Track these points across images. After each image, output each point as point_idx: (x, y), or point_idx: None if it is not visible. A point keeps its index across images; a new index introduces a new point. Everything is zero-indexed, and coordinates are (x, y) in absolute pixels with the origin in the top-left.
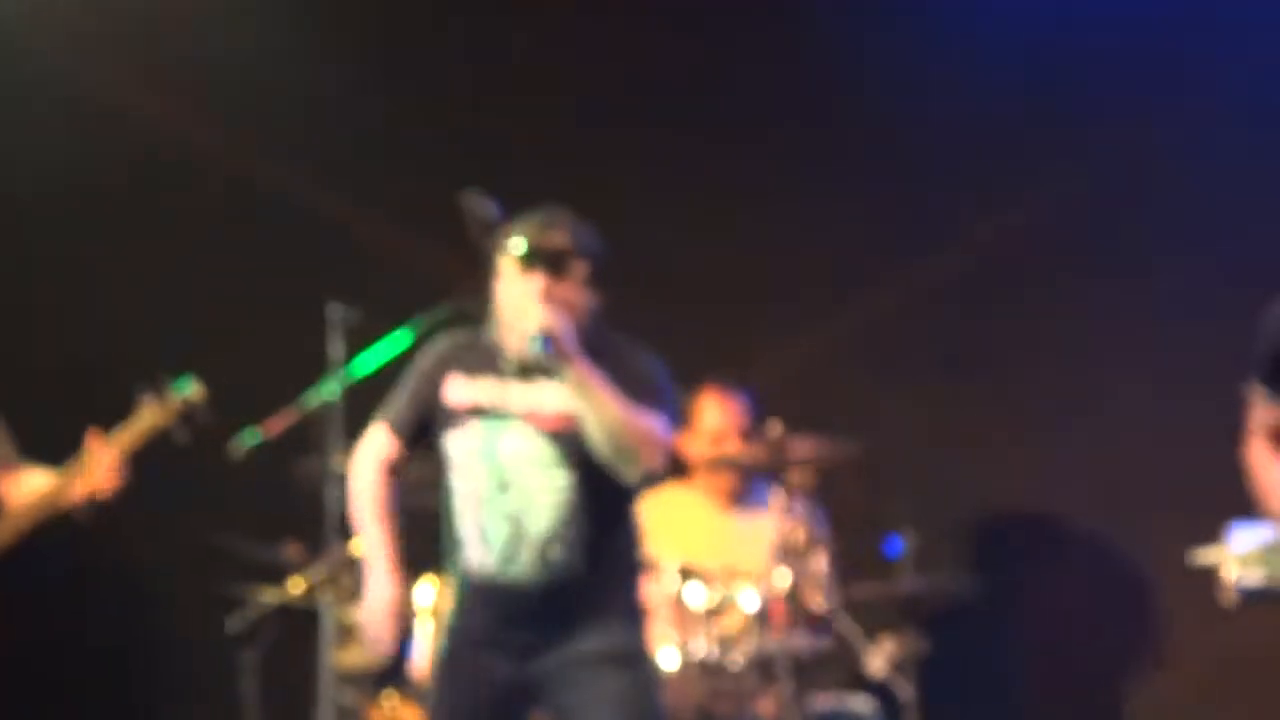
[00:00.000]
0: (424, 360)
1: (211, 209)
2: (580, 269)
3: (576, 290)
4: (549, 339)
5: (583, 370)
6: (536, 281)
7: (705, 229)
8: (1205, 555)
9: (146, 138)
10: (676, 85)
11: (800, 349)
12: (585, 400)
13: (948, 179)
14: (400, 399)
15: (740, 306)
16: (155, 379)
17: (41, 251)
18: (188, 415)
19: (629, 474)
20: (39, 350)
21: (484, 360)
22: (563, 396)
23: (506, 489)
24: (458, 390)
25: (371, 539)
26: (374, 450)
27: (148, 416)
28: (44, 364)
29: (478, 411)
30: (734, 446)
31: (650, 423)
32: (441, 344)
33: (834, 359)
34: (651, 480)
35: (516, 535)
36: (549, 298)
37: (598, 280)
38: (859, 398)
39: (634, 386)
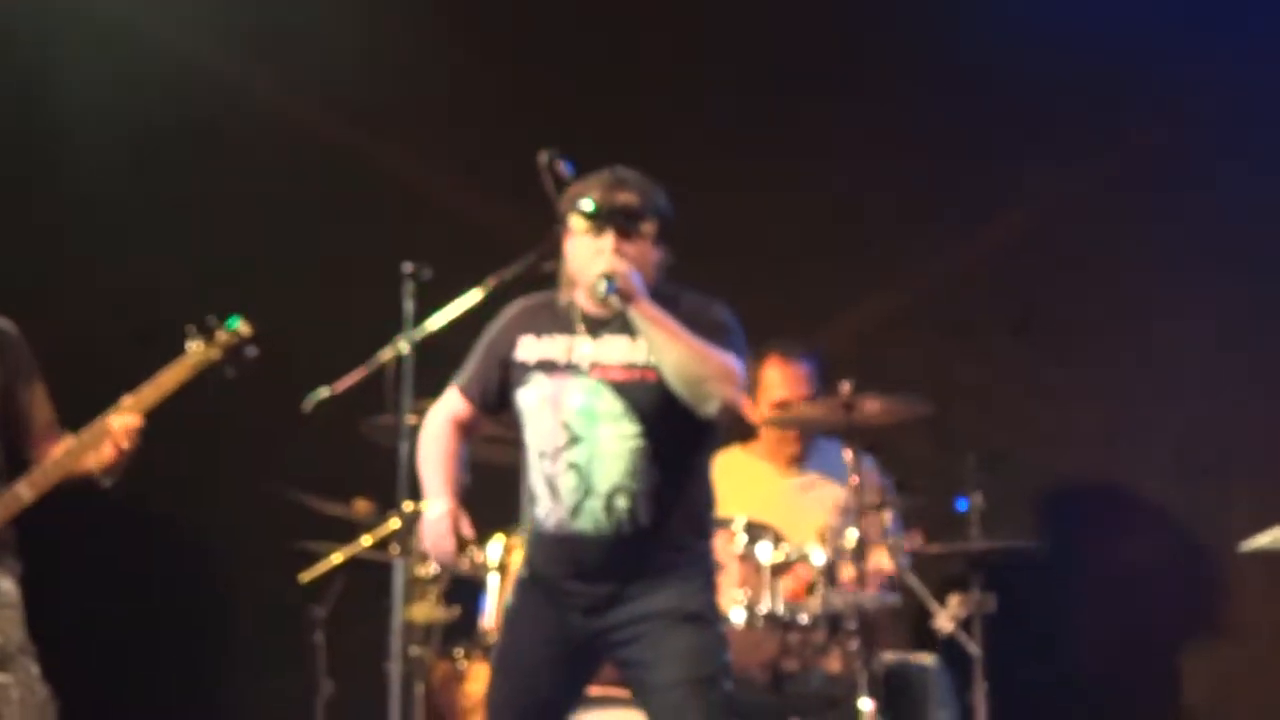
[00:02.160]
0: (495, 324)
1: (287, 167)
2: (649, 227)
3: (645, 248)
4: (612, 281)
5: (649, 309)
6: (606, 239)
7: (776, 189)
8: (1254, 542)
9: (224, 96)
10: (746, 45)
11: (871, 309)
12: (655, 337)
13: (1018, 138)
14: (471, 363)
15: (811, 266)
16: (204, 321)
17: (115, 208)
18: (236, 351)
19: (706, 407)
20: (111, 305)
21: (554, 320)
22: (630, 350)
23: (575, 442)
24: (527, 348)
25: (430, 468)
26: (445, 408)
27: (196, 354)
28: (114, 320)
29: (547, 367)
30: (797, 412)
31: (723, 356)
32: (512, 307)
33: (905, 319)
34: (730, 414)
35: (584, 487)
36: (618, 254)
37: (666, 238)
38: (929, 357)
39: (704, 330)
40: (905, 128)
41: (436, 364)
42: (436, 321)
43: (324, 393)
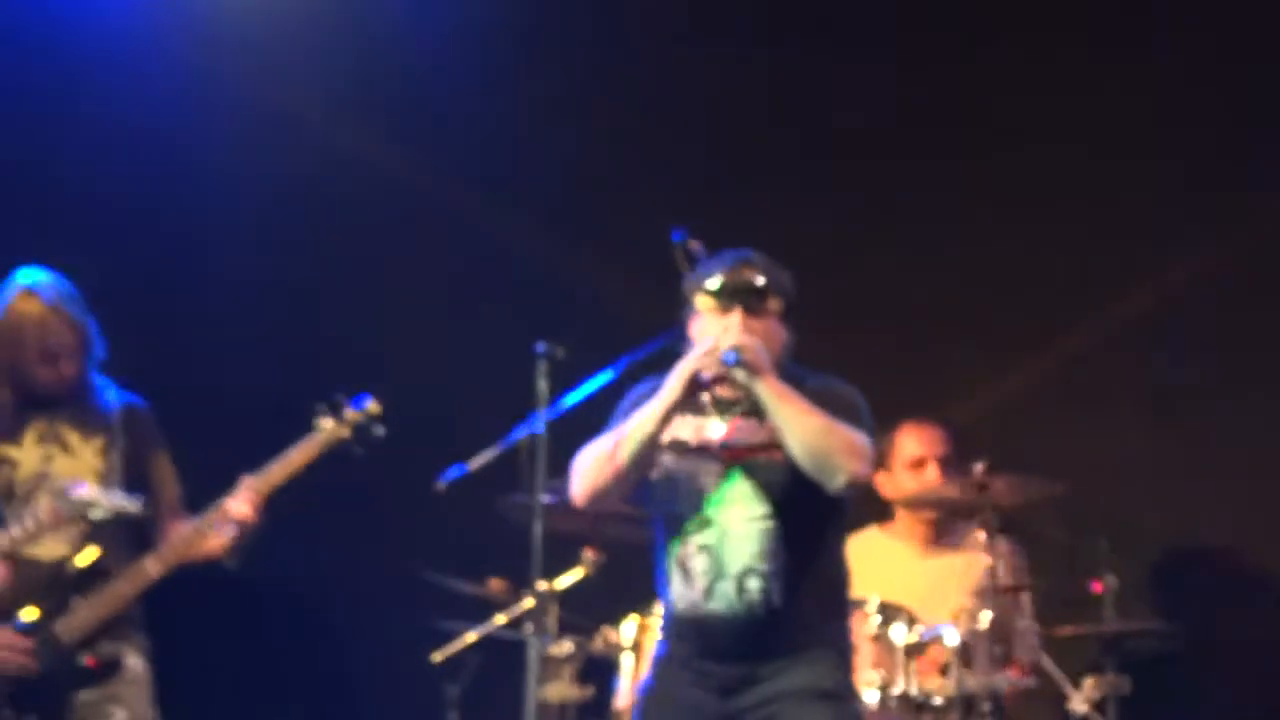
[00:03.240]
0: (625, 403)
1: (422, 245)
2: (774, 304)
3: (772, 325)
4: (739, 353)
5: (775, 383)
6: (733, 315)
7: (904, 267)
8: None
9: (359, 173)
10: (877, 117)
11: (1003, 387)
12: (781, 410)
13: (1150, 216)
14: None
15: (942, 344)
16: (333, 399)
17: (242, 285)
18: (365, 429)
19: (834, 482)
20: (240, 382)
21: (683, 401)
22: (758, 430)
23: (706, 523)
24: None
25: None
26: None
27: (325, 431)
28: (243, 397)
29: (677, 448)
30: (934, 475)
31: (850, 430)
32: (642, 387)
33: (1036, 398)
34: (858, 490)
35: (715, 569)
36: (745, 330)
37: (791, 321)
38: (1061, 437)
39: (831, 407)
40: (1037, 203)
41: (570, 443)
42: (570, 401)
43: (458, 471)
